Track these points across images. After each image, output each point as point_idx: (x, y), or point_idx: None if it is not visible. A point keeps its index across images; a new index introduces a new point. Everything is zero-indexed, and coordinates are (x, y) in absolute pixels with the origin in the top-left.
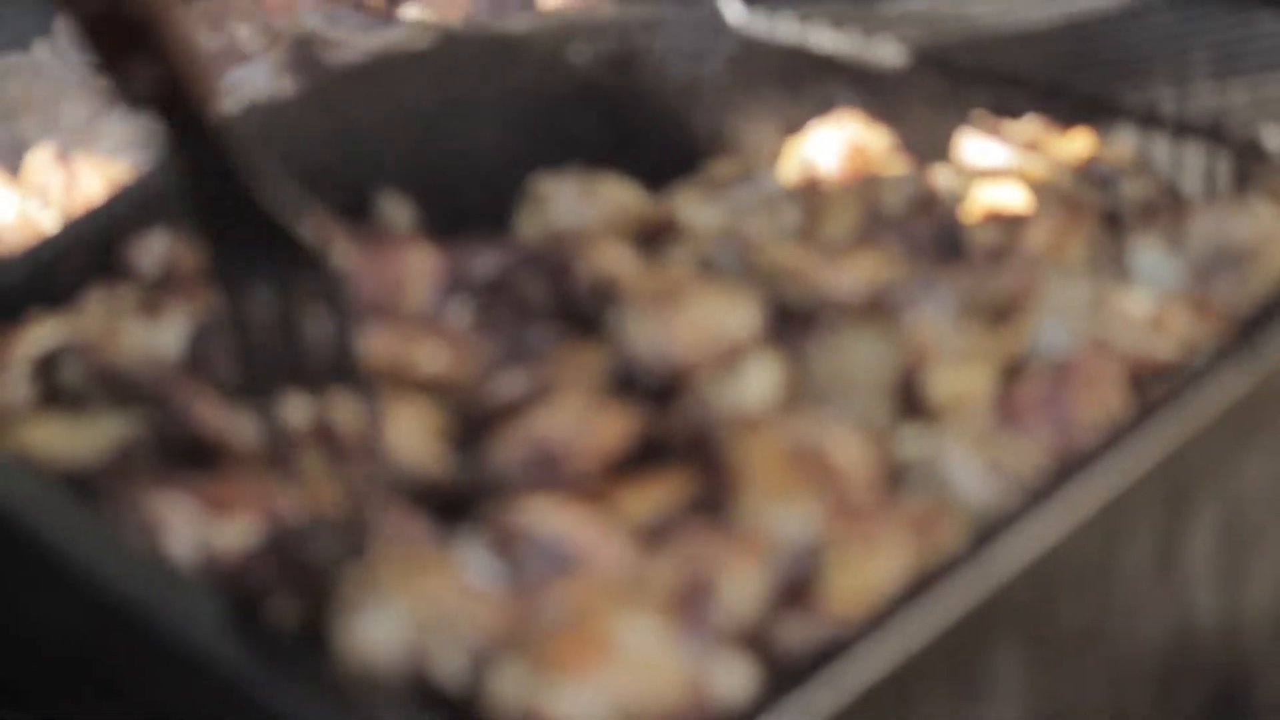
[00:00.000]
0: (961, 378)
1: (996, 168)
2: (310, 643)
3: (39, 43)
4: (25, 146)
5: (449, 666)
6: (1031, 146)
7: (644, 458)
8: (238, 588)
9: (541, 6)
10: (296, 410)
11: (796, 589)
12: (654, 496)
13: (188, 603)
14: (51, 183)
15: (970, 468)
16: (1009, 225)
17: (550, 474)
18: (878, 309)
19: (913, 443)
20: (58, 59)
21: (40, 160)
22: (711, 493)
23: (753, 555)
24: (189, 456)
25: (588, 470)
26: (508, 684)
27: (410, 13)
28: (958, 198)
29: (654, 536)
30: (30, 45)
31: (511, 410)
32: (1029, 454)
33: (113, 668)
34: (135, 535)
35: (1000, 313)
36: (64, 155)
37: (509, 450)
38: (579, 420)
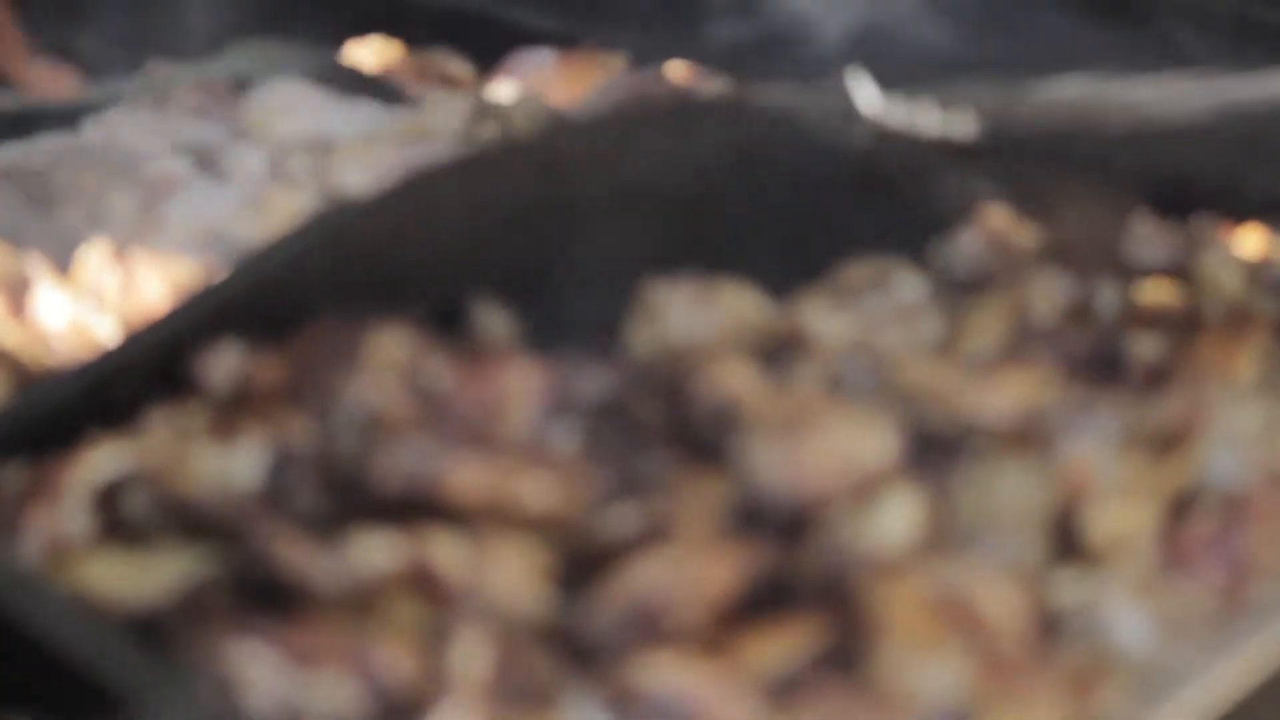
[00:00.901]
0: (1123, 514)
1: (1158, 273)
2: None
3: (89, 121)
4: (74, 241)
5: None
6: (1197, 248)
7: (771, 601)
8: None
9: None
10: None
11: None
12: (782, 648)
13: None
14: (107, 284)
15: (1134, 617)
16: (1173, 339)
17: (652, 631)
18: (1030, 437)
19: (1070, 588)
20: (110, 139)
21: (93, 258)
22: (847, 644)
23: (895, 717)
24: (269, 599)
25: (695, 623)
26: None
27: (502, 92)
28: (1116, 307)
29: (783, 694)
30: (78, 124)
31: (624, 549)
32: (1200, 600)
33: None
34: (212, 690)
35: (1166, 440)
36: (119, 252)
37: (605, 610)
38: (681, 570)
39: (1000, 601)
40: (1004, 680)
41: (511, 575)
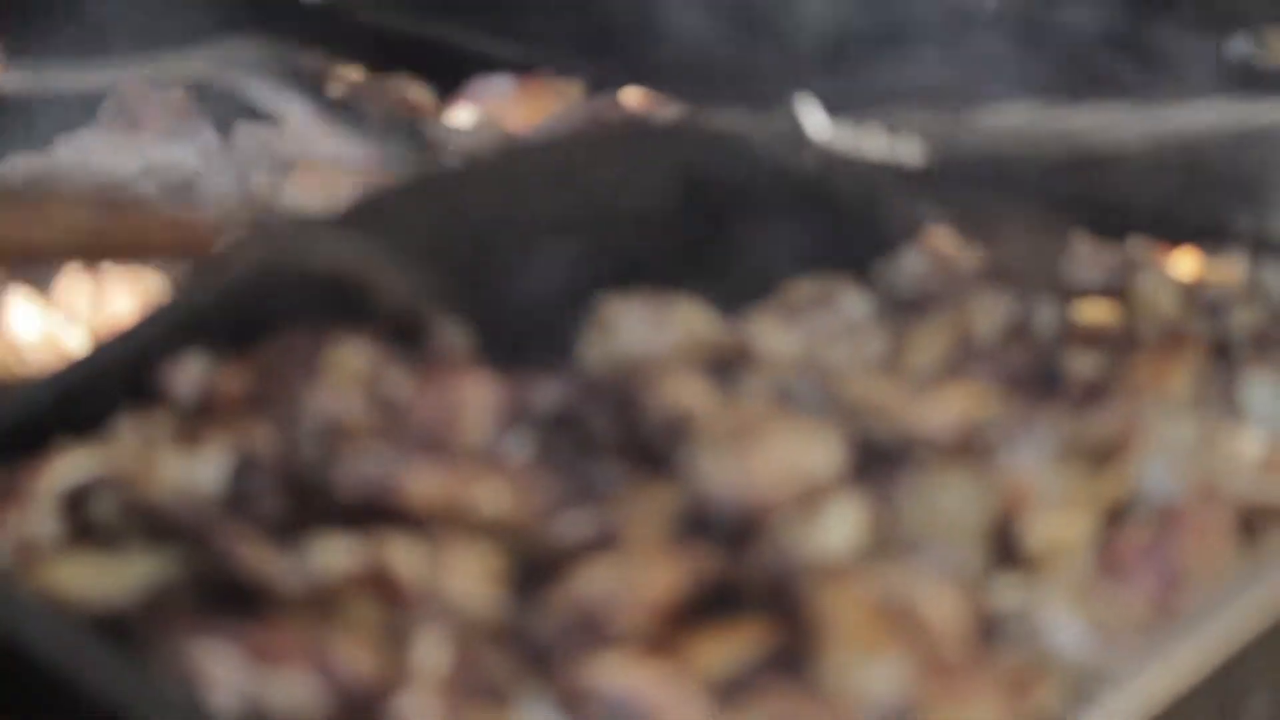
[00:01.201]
0: (1060, 524)
1: (1095, 294)
2: None
3: (61, 140)
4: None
5: None
6: (1134, 271)
7: (719, 605)
8: None
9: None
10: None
11: None
12: (729, 650)
13: None
14: (79, 299)
15: (1070, 622)
16: (1109, 357)
17: (600, 634)
18: (970, 450)
19: (1008, 594)
20: (82, 161)
21: (65, 273)
22: (793, 647)
23: (840, 717)
24: (232, 600)
25: (643, 625)
26: None
27: (460, 118)
28: (1054, 326)
29: (731, 694)
30: (51, 144)
31: (575, 555)
32: (1133, 608)
33: None
34: (175, 686)
35: (1101, 454)
36: (91, 267)
37: (555, 613)
38: (629, 575)
39: (941, 606)
40: (945, 681)
41: (466, 578)
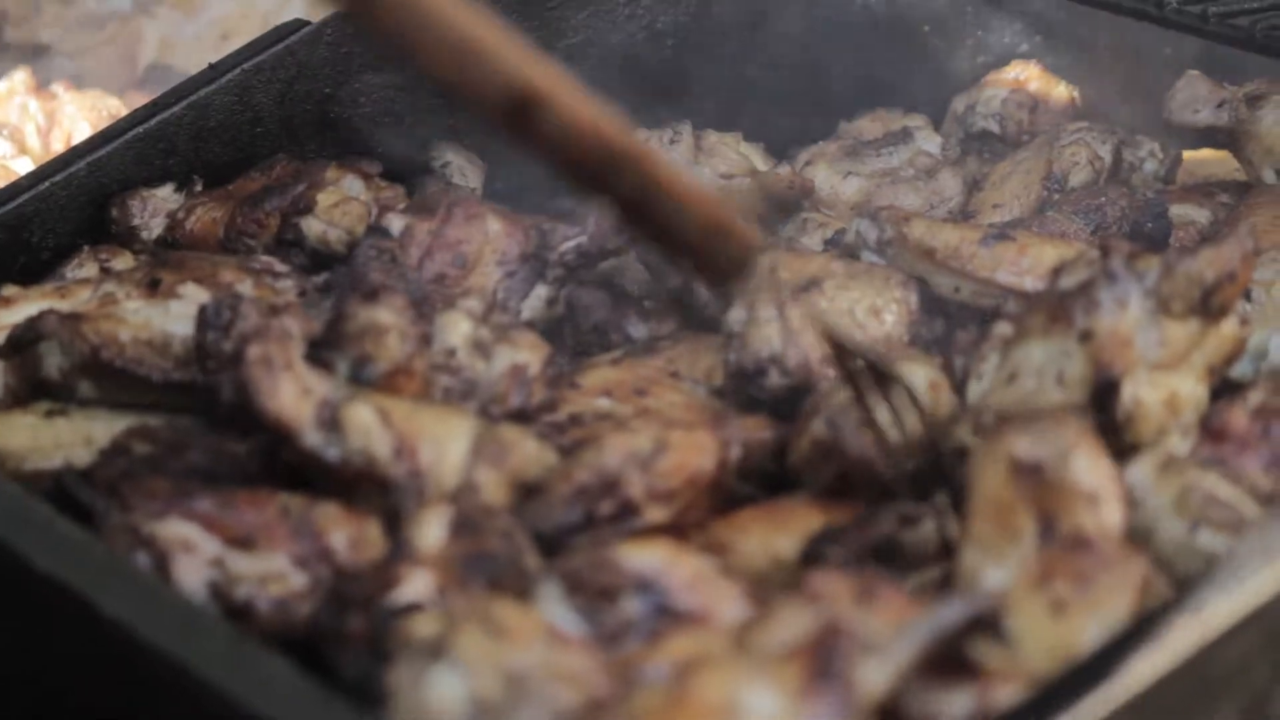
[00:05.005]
0: (1164, 390)
1: (1208, 134)
2: (365, 699)
3: None
4: None
5: None
6: (1254, 108)
7: (768, 481)
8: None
9: None
10: None
11: (950, 653)
12: (777, 533)
13: (213, 646)
14: (26, 119)
15: (1162, 501)
16: (1221, 204)
17: (620, 508)
18: (1059, 306)
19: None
20: None
21: (12, 88)
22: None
23: (899, 611)
24: (201, 468)
25: (673, 500)
26: None
27: None
28: (1159, 168)
29: (777, 585)
30: None
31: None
32: (1245, 482)
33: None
34: (138, 564)
35: (1210, 311)
36: (42, 83)
37: (573, 481)
38: (652, 443)
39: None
40: (1051, 575)
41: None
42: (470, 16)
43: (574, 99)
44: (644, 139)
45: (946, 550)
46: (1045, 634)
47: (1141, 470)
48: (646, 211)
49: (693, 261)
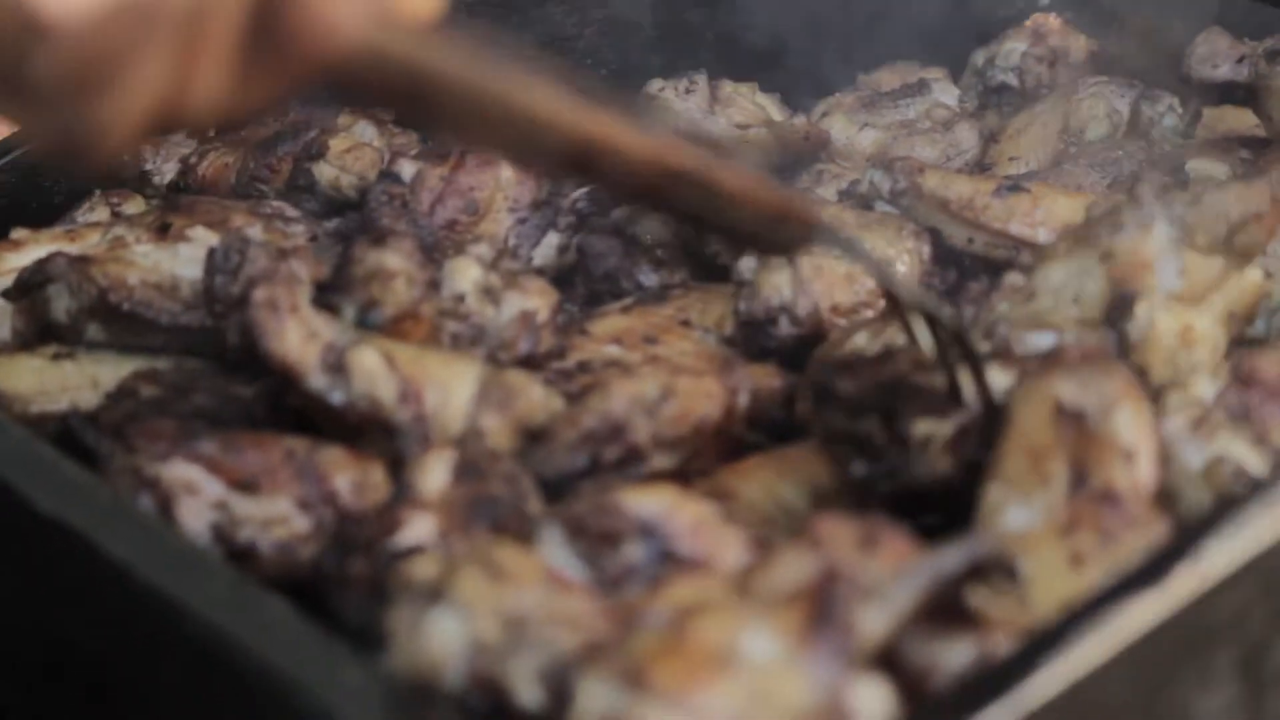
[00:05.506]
0: (1180, 320)
1: (1229, 90)
2: (361, 641)
3: None
4: None
5: (526, 676)
6: (1274, 62)
7: (779, 431)
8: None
9: None
10: None
11: (951, 601)
12: (790, 479)
13: (214, 589)
14: None
15: (1194, 466)
16: (1240, 159)
17: (621, 454)
18: (1084, 234)
19: None
20: None
21: None
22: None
23: (901, 556)
24: (207, 412)
25: (672, 448)
26: (596, 701)
27: None
28: (1178, 123)
29: (782, 532)
30: None
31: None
32: (1265, 439)
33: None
34: (142, 506)
35: (1235, 250)
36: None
37: (569, 432)
38: (659, 389)
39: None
40: (1069, 524)
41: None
42: (520, 85)
43: (630, 138)
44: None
45: (955, 397)
46: (1060, 583)
47: (1175, 427)
48: (710, 217)
49: (756, 247)
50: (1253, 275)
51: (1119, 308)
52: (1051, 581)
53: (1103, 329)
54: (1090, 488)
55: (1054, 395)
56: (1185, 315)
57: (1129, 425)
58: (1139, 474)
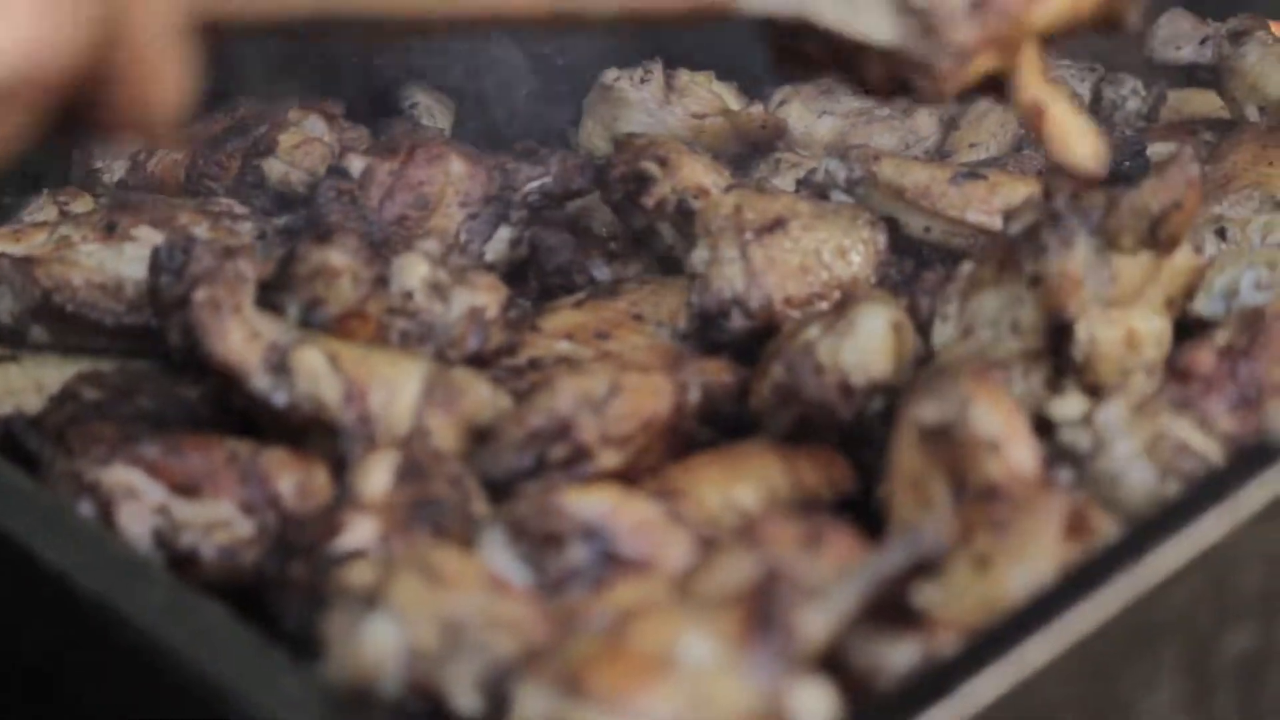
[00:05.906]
0: (1121, 327)
1: (1191, 72)
2: (301, 647)
3: None
4: None
5: (464, 682)
6: (1237, 45)
7: (732, 426)
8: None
9: None
10: None
11: (894, 601)
12: (734, 481)
13: (151, 595)
14: None
15: (1133, 445)
16: (1203, 142)
17: (572, 452)
18: (1008, 258)
19: (1064, 410)
20: None
21: None
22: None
23: (846, 557)
24: (151, 414)
25: (628, 446)
26: (535, 707)
27: None
28: (1141, 106)
29: (729, 528)
30: None
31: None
32: (1208, 424)
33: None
34: (82, 511)
35: (1160, 243)
36: None
37: (515, 431)
38: (606, 386)
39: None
40: (993, 524)
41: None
42: None
43: None
44: (614, 77)
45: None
46: (974, 589)
47: (1115, 411)
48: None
49: None
50: (1182, 256)
51: (1058, 335)
52: (967, 589)
53: (1048, 357)
54: (971, 491)
55: (915, 421)
56: (1124, 319)
57: (986, 417)
58: (1011, 459)
